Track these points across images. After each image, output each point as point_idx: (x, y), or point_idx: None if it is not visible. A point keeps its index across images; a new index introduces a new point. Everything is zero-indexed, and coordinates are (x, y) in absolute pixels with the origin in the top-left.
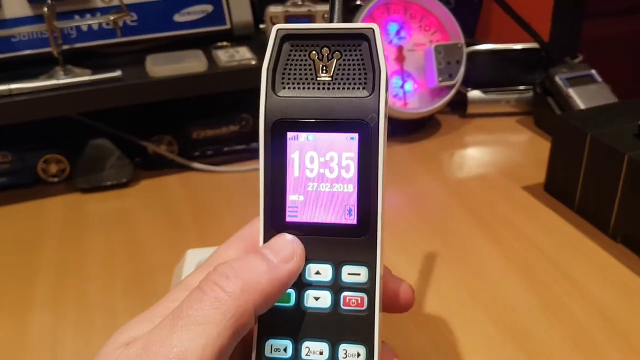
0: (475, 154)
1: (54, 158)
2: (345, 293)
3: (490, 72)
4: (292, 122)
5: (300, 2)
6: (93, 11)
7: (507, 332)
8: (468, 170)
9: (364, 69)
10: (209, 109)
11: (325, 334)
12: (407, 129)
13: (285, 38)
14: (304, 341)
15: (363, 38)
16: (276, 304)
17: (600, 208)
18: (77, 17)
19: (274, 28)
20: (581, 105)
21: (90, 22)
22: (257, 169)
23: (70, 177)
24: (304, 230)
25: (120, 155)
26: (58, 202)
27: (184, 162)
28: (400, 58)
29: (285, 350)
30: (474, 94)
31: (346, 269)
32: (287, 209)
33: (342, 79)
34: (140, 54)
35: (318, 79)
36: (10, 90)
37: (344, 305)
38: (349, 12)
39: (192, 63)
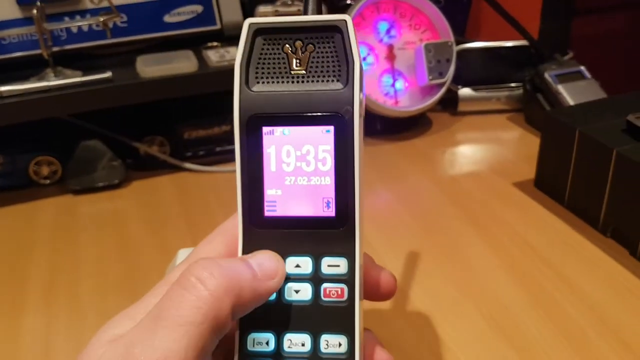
0: (467, 151)
1: (46, 160)
2: (325, 285)
3: (480, 70)
4: (267, 117)
5: (290, 2)
6: (83, 13)
7: (498, 328)
8: (459, 167)
9: (338, 61)
10: (200, 109)
11: (306, 326)
12: (398, 127)
13: (258, 32)
14: (285, 334)
15: (336, 30)
16: None
17: (589, 203)
18: (66, 18)
19: (246, 22)
20: (570, 101)
21: (80, 23)
22: None
23: (62, 178)
24: (282, 224)
25: (112, 157)
26: (50, 203)
27: (175, 162)
28: (390, 57)
29: (267, 343)
30: (465, 91)
31: (326, 261)
32: (265, 203)
33: (316, 71)
34: (131, 54)
35: (292, 72)
36: (0, 92)
37: (324, 296)
38: (339, 11)
39: (183, 63)
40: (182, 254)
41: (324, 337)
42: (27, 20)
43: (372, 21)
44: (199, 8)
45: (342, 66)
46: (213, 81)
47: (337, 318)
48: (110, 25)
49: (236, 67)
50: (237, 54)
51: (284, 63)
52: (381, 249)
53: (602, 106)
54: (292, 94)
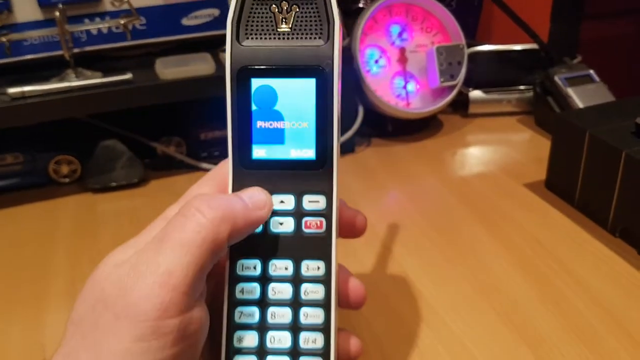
0: (477, 153)
1: (65, 159)
2: (306, 218)
3: (491, 73)
4: (256, 69)
5: None
6: (102, 15)
7: (511, 324)
8: (470, 168)
9: (320, 20)
10: (216, 111)
11: (289, 253)
12: (409, 128)
13: None
14: (271, 260)
15: None
16: None
17: (599, 203)
18: (87, 20)
19: None
20: (580, 104)
21: (100, 25)
22: None
23: (81, 177)
24: (268, 165)
25: (130, 156)
26: (70, 201)
27: (192, 162)
28: (402, 59)
29: (254, 267)
30: (476, 94)
31: (307, 198)
32: (253, 147)
33: (300, 29)
34: (149, 57)
35: (278, 30)
36: (23, 92)
37: (305, 228)
38: (352, 14)
39: (200, 66)
40: None
41: (305, 262)
42: (48, 22)
43: (384, 24)
44: (215, 11)
45: (324, 25)
46: None
47: (316, 246)
48: (130, 27)
49: (228, 24)
50: (229, 12)
51: (271, 21)
52: (394, 247)
53: (612, 109)
54: (278, 48)
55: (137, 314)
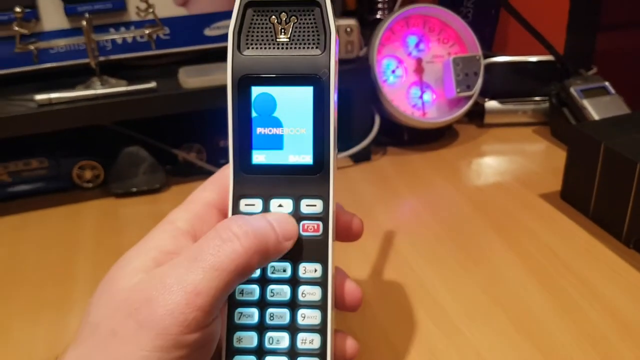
0: (493, 163)
1: (89, 164)
2: (304, 222)
3: (507, 84)
4: (256, 77)
5: None
6: (128, 25)
7: (525, 333)
8: (486, 178)
9: (317, 31)
10: None
11: (287, 256)
12: (425, 138)
13: (249, 4)
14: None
15: (316, 5)
16: None
17: (613, 215)
18: (112, 29)
19: None
20: (595, 116)
21: (126, 35)
22: None
23: (104, 182)
24: (268, 170)
25: (152, 162)
26: (93, 206)
27: (212, 169)
28: (419, 70)
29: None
30: (492, 104)
31: (304, 202)
32: (253, 152)
33: (298, 40)
34: (173, 66)
35: (277, 40)
36: (50, 99)
37: (303, 231)
38: (370, 25)
39: (222, 75)
40: None
41: (302, 265)
42: (74, 31)
43: (401, 35)
44: None
45: (321, 35)
46: None
47: (314, 249)
48: (155, 37)
49: (229, 34)
50: (230, 23)
51: (271, 32)
52: (409, 255)
53: (627, 121)
54: (278, 58)
55: (160, 327)
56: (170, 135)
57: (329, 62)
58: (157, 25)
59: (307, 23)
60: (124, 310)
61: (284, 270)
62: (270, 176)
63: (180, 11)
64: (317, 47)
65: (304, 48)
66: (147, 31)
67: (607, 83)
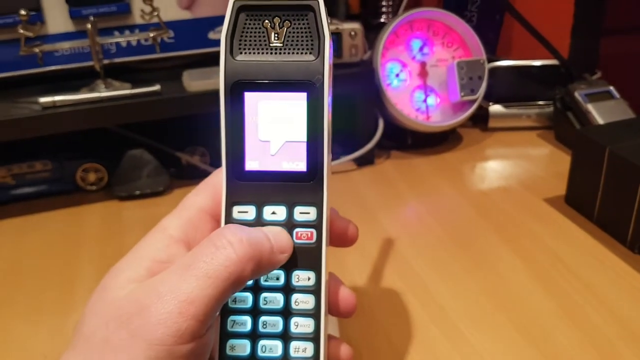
0: (497, 167)
1: (93, 167)
2: (297, 229)
3: (511, 88)
4: (249, 83)
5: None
6: (132, 28)
7: (530, 338)
8: (489, 182)
9: (311, 36)
10: None
11: None
12: (429, 141)
13: (241, 9)
14: None
15: (309, 9)
16: None
17: (618, 220)
18: (116, 33)
19: (231, 0)
20: (600, 120)
21: (131, 38)
22: None
23: (107, 185)
24: (261, 177)
25: (156, 165)
26: (96, 208)
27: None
28: (423, 73)
29: None
30: (496, 108)
31: (298, 209)
32: (246, 159)
33: (291, 44)
34: (176, 69)
35: (271, 44)
36: (54, 102)
37: (296, 239)
38: (374, 29)
39: None
40: None
41: (296, 273)
42: (79, 34)
43: (405, 39)
44: None
45: (314, 41)
46: None
47: (307, 257)
48: (159, 40)
49: (222, 39)
50: (223, 27)
51: (264, 36)
52: (412, 259)
53: (631, 126)
54: (271, 63)
55: (153, 337)
56: (174, 138)
57: (322, 67)
58: (161, 29)
59: (301, 28)
60: (117, 320)
61: (277, 279)
62: (263, 183)
63: (185, 14)
64: (310, 53)
65: (297, 53)
66: (151, 34)
67: (611, 87)
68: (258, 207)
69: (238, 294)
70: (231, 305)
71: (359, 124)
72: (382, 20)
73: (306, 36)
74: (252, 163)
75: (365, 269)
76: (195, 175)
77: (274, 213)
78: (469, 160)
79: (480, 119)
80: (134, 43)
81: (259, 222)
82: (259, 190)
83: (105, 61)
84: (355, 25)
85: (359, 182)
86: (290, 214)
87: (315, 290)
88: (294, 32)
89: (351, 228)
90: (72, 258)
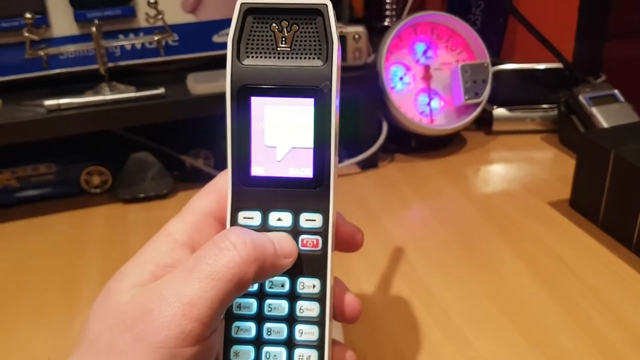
0: (501, 170)
1: (97, 170)
2: (303, 236)
3: (515, 91)
4: (256, 88)
5: None
6: (137, 31)
7: (533, 342)
8: (494, 185)
9: (319, 40)
10: None
11: (286, 271)
12: (433, 145)
13: (249, 12)
14: None
15: (318, 13)
16: None
17: (623, 223)
18: (121, 36)
19: (238, 2)
20: (604, 123)
21: (135, 41)
22: None
23: (112, 188)
24: (267, 183)
25: (160, 168)
26: (101, 211)
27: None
28: (427, 77)
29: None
30: (500, 111)
31: (304, 216)
32: (252, 164)
33: (299, 49)
34: (181, 72)
35: (278, 49)
36: (59, 105)
37: (302, 246)
38: (378, 32)
39: None
40: None
41: (301, 280)
42: (84, 37)
43: (409, 42)
44: None
45: (323, 45)
46: None
47: (312, 264)
48: (163, 43)
49: (228, 42)
50: (230, 30)
51: (271, 40)
52: (416, 262)
53: (636, 129)
54: (278, 68)
55: (157, 340)
56: (177, 141)
57: (330, 73)
58: (166, 32)
59: (309, 32)
60: (122, 324)
61: (282, 285)
62: (269, 189)
63: (189, 18)
64: (318, 58)
65: (305, 58)
66: (156, 37)
67: (616, 91)
68: (263, 213)
69: (242, 300)
70: (236, 311)
71: (363, 127)
72: (386, 23)
73: (314, 41)
74: (258, 169)
75: (370, 272)
76: (199, 178)
77: (279, 219)
78: (473, 163)
79: (484, 122)
80: (138, 46)
81: (264, 228)
82: (265, 196)
83: (110, 64)
84: (359, 29)
85: (363, 185)
86: (295, 220)
87: (320, 298)
88: (301, 37)
89: (358, 235)
90: (77, 260)
